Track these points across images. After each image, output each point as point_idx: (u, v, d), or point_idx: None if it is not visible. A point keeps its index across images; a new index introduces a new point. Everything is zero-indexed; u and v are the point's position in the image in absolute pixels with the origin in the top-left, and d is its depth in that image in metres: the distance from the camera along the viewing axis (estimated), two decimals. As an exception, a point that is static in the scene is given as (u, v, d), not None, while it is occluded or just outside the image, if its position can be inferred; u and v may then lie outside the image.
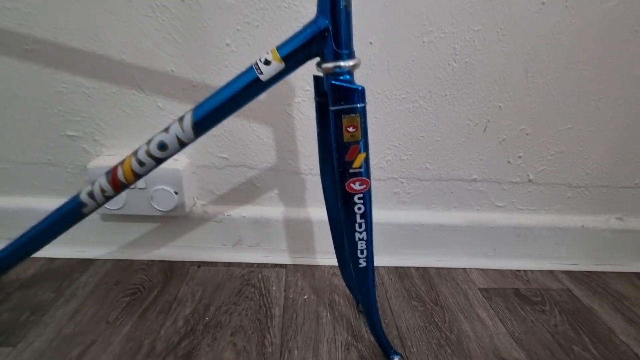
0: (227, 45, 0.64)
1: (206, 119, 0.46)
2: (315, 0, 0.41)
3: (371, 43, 0.65)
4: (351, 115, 0.42)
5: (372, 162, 0.74)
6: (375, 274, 0.77)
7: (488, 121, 0.72)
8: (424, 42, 0.65)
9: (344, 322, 0.65)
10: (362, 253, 0.49)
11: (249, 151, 0.73)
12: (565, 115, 0.72)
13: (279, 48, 0.42)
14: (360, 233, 0.48)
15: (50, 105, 0.67)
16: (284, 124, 0.70)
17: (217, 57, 0.65)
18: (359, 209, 0.46)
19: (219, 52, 0.65)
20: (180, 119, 0.46)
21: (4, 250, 0.55)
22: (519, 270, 0.82)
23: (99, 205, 0.51)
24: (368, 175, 0.45)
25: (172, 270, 0.75)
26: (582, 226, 0.81)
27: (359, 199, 0.46)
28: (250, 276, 0.75)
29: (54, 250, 0.71)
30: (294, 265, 0.79)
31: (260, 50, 0.64)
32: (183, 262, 0.77)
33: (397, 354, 0.56)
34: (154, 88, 0.67)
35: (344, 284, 0.72)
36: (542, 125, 0.73)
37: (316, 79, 0.48)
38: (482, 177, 0.77)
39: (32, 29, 0.62)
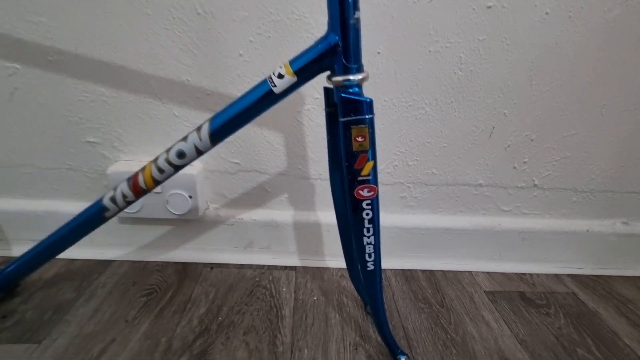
0: (240, 55, 0.67)
1: (222, 128, 0.48)
2: (325, 12, 0.44)
3: (379, 53, 0.67)
4: (360, 125, 0.44)
5: (379, 167, 0.76)
6: (383, 276, 0.79)
7: (493, 127, 0.74)
8: (430, 51, 0.67)
9: (352, 323, 0.67)
10: (370, 256, 0.51)
11: (260, 157, 0.75)
12: (569, 121, 0.74)
13: (291, 62, 0.45)
14: (368, 237, 0.50)
15: (72, 113, 0.70)
16: (294, 130, 0.73)
17: (231, 67, 0.68)
18: (367, 214, 0.48)
19: (232, 62, 0.67)
20: (198, 129, 0.48)
21: (30, 251, 0.58)
22: (524, 274, 0.83)
23: (120, 209, 0.54)
24: (376, 182, 0.47)
25: (186, 271, 0.78)
26: (588, 230, 0.83)
27: (367, 204, 0.48)
28: (261, 278, 0.77)
29: (73, 251, 0.73)
30: (304, 267, 0.81)
31: (271, 60, 0.67)
32: (196, 264, 0.80)
33: (403, 354, 0.58)
34: (170, 97, 0.70)
35: (352, 286, 0.74)
36: (546, 132, 0.74)
37: (326, 90, 0.50)
38: (488, 182, 0.79)
39: (55, 41, 0.65)
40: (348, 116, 0.44)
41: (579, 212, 0.83)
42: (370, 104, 0.44)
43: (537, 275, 0.83)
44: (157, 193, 0.72)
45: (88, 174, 0.76)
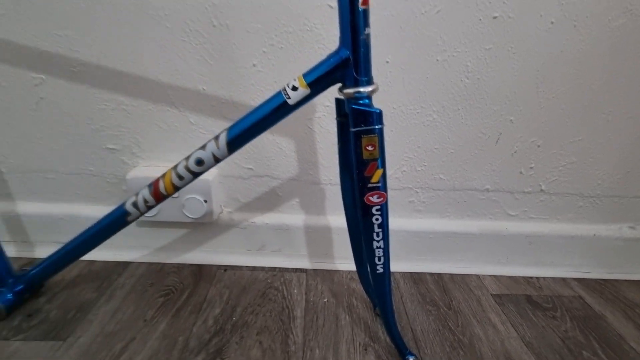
0: (254, 65, 0.70)
1: (239, 137, 0.51)
2: (336, 24, 0.46)
3: (387, 62, 0.69)
4: (370, 135, 0.46)
5: (388, 172, 0.78)
6: (392, 279, 0.81)
7: (500, 134, 0.75)
8: (437, 60, 0.69)
9: (362, 324, 0.69)
10: (379, 260, 0.53)
11: (273, 162, 0.78)
12: (575, 128, 0.75)
13: (305, 75, 0.47)
14: (378, 241, 0.52)
15: (94, 121, 0.74)
16: (305, 137, 0.75)
17: (245, 76, 0.70)
18: (377, 219, 0.50)
19: (246, 72, 0.70)
20: (216, 138, 0.51)
21: (56, 253, 0.61)
22: (531, 277, 0.85)
23: (142, 214, 0.57)
24: (385, 189, 0.49)
25: (201, 273, 0.80)
26: (594, 235, 0.83)
27: (377, 210, 0.50)
28: (273, 280, 0.80)
29: (94, 253, 0.77)
30: (314, 270, 0.84)
31: (284, 70, 0.70)
32: (211, 266, 0.83)
33: (412, 354, 0.60)
34: (186, 105, 0.73)
35: (362, 288, 0.76)
36: (552, 138, 0.76)
37: (338, 101, 0.53)
38: (495, 187, 0.80)
39: (79, 53, 0.69)
40: (359, 126, 0.46)
41: (586, 217, 0.84)
42: (379, 114, 0.46)
43: (544, 278, 0.85)
44: (173, 197, 0.75)
45: (108, 179, 0.79)
